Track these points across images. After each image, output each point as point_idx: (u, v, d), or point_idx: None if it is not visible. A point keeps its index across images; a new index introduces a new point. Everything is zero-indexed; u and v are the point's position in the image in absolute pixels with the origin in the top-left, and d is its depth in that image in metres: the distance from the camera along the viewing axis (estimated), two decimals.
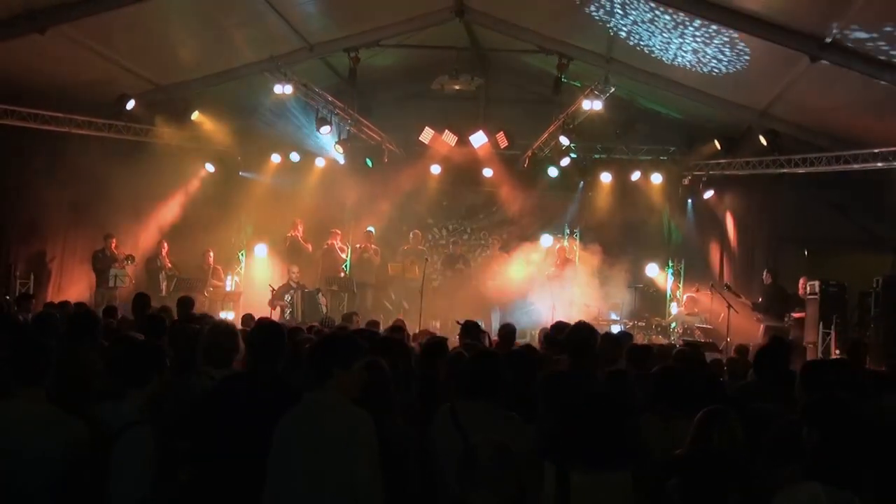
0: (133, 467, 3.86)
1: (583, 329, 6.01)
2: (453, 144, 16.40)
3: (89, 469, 3.92)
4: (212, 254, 16.67)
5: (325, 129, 15.76)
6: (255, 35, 14.21)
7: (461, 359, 5.62)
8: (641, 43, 13.22)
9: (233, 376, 4.89)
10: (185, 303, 9.99)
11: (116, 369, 4.43)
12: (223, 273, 17.10)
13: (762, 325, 14.06)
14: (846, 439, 3.58)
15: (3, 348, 4.26)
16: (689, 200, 17.26)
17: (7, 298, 12.88)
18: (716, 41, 12.22)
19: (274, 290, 15.95)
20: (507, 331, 8.62)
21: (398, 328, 8.68)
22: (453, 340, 8.12)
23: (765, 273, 14.51)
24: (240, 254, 18.14)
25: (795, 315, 14.26)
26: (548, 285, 16.07)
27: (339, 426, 3.85)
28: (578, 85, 14.91)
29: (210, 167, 17.12)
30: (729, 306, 14.30)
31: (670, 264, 17.53)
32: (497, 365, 4.64)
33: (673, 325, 15.93)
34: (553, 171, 16.98)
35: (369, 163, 17.13)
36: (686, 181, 17.03)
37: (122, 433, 3.93)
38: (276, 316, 15.11)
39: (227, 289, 17.11)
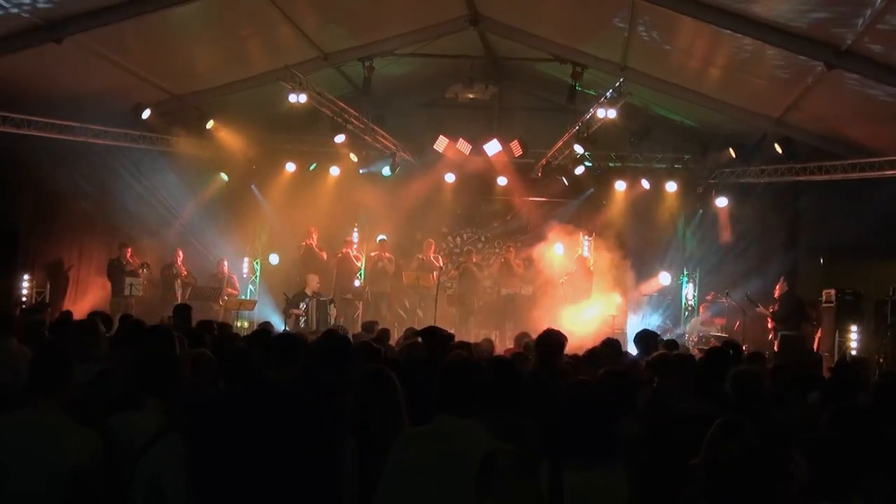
0: (175, 475, 3.72)
1: (552, 334, 6.45)
2: (467, 153, 16.39)
3: (104, 480, 3.85)
4: (226, 262, 16.73)
5: (340, 137, 15.80)
6: (269, 44, 14.31)
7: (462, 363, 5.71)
8: None
9: (246, 383, 4.89)
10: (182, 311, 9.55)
11: (135, 377, 4.39)
12: (238, 281, 17.15)
13: (779, 334, 13.97)
14: (859, 447, 3.57)
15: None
16: (703, 209, 17.11)
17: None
18: None
19: (288, 298, 15.98)
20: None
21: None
22: None
23: (781, 281, 14.41)
24: (254, 262, 18.21)
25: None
26: (561, 293, 16.01)
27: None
28: (593, 93, 14.88)
29: (225, 176, 17.18)
30: (744, 314, 14.22)
31: (685, 273, 17.45)
32: (516, 375, 4.63)
33: (686, 335, 15.81)
34: (567, 180, 16.92)
35: (388, 172, 17.01)
36: (700, 189, 16.90)
37: (154, 442, 3.82)
38: (290, 324, 15.15)
39: (242, 297, 17.15)
